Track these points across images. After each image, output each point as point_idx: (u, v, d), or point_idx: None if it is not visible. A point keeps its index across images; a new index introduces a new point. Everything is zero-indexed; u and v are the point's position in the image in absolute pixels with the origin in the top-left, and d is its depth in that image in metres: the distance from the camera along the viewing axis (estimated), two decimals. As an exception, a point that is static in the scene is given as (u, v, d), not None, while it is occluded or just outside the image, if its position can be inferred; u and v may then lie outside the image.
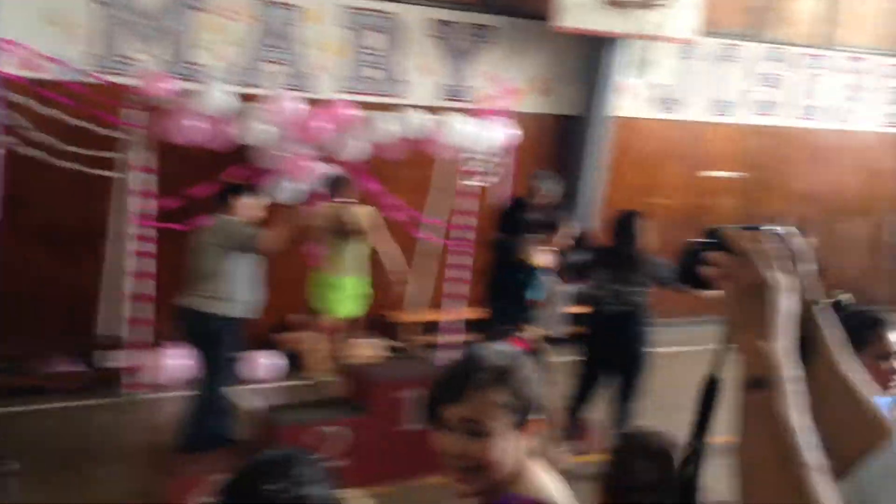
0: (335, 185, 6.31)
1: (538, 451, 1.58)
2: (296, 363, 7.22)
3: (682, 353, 8.41)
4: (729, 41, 9.38)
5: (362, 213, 6.22)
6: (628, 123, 9.00)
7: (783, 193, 10.07)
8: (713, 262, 1.15)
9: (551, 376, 5.33)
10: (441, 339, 7.57)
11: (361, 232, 6.11)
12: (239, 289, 5.18)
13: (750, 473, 1.05)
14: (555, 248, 5.99)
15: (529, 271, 5.99)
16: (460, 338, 7.58)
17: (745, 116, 9.66)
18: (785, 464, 1.03)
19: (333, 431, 4.99)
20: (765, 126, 9.81)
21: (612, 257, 5.62)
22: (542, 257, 5.95)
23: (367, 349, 7.38)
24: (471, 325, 7.52)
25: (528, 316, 5.93)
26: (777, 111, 9.85)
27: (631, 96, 8.90)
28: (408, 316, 8.00)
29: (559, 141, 8.73)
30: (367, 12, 7.63)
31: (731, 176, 9.72)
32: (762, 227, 1.17)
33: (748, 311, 1.12)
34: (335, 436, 4.98)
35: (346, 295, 6.24)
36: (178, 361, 6.59)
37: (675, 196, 9.40)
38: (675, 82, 9.17)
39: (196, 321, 5.11)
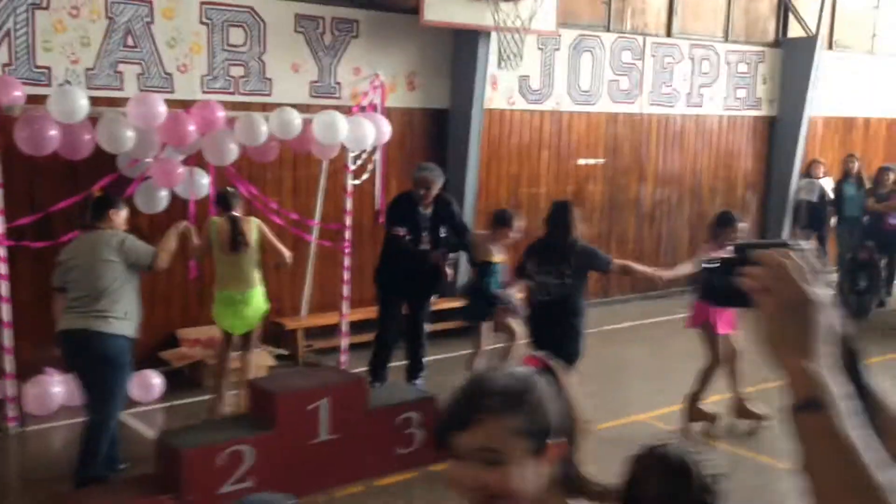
0: (223, 200, 6.11)
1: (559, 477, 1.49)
2: (184, 380, 6.91)
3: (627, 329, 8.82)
4: (587, 32, 9.70)
5: (250, 226, 6.01)
6: (498, 115, 9.15)
7: (643, 177, 10.55)
8: (750, 278, 1.11)
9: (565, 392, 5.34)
10: (340, 342, 7.42)
11: (248, 245, 5.92)
12: (136, 307, 5.05)
13: (824, 501, 1.01)
14: (507, 243, 6.48)
15: (490, 268, 6.39)
16: (358, 339, 7.48)
17: (605, 105, 10.02)
18: (857, 489, 0.98)
19: (240, 451, 4.79)
20: (623, 113, 10.23)
21: (545, 248, 5.68)
22: (498, 253, 6.44)
23: (264, 360, 7.16)
24: (365, 326, 7.43)
25: (494, 310, 6.41)
26: (633, 98, 10.28)
27: (499, 88, 9.04)
28: (302, 322, 7.81)
29: (430, 134, 8.75)
30: (225, 7, 7.33)
31: (596, 162, 10.07)
32: (789, 243, 1.13)
33: (788, 329, 1.07)
34: (241, 455, 4.79)
35: (237, 308, 6.00)
36: (56, 389, 6.16)
37: (547, 184, 9.64)
38: (540, 73, 9.39)
39: (96, 343, 4.79)
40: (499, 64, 8.35)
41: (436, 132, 8.77)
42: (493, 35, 8.38)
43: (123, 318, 4.91)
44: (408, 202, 6.59)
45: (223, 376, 6.19)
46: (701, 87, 10.89)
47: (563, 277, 5.59)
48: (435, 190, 6.56)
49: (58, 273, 5.02)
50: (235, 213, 6.03)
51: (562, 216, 5.68)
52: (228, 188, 6.45)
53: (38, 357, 6.51)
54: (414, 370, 6.85)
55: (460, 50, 8.63)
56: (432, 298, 7.04)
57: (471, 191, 8.82)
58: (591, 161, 10.02)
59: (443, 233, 6.65)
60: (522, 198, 9.49)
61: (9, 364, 5.79)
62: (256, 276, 6.04)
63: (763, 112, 11.56)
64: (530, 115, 9.43)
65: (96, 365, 4.84)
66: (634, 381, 7.54)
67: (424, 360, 6.93)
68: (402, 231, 6.48)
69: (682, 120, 10.84)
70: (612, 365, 7.88)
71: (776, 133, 11.60)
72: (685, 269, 6.28)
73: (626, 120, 10.27)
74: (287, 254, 6.12)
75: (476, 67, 8.49)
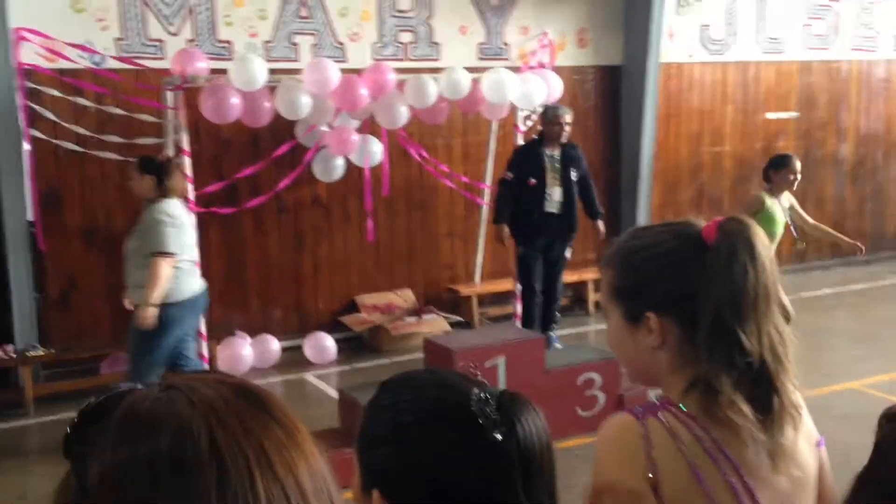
0: None
1: None
2: (362, 346, 7.02)
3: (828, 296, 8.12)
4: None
5: None
6: (676, 69, 8.60)
7: (843, 131, 9.58)
8: None
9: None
10: (515, 308, 7.26)
11: None
12: None
13: None
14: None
15: None
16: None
17: (796, 52, 9.18)
18: None
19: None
20: (818, 61, 9.32)
21: None
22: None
23: (440, 326, 7.13)
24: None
25: None
26: (829, 44, 9.34)
27: (676, 40, 8.49)
28: (476, 288, 7.72)
29: (602, 93, 8.36)
30: (395, -24, 7.34)
31: (788, 117, 9.25)
32: None
33: None
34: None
35: None
36: (246, 351, 6.47)
37: (732, 142, 8.98)
38: (724, 21, 8.72)
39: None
40: (678, 10, 7.82)
41: (609, 90, 8.37)
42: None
43: None
44: (531, 148, 6.49)
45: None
46: (909, 28, 9.74)
47: None
48: (569, 128, 6.37)
49: (170, 236, 4.53)
50: None
51: None
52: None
53: (229, 319, 6.83)
54: (547, 321, 6.63)
55: (633, 2, 8.16)
56: (567, 252, 6.68)
57: (647, 152, 8.35)
58: (783, 115, 9.21)
59: (574, 176, 6.41)
60: (705, 157, 8.89)
61: (203, 325, 6.06)
62: None
63: None
64: (712, 68, 8.79)
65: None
66: (840, 348, 6.83)
67: (558, 313, 6.86)
68: (532, 181, 6.32)
69: (888, 66, 9.73)
70: (813, 331, 7.19)
71: None
72: None
73: (822, 68, 9.35)
74: None
75: (651, 17, 8.00)
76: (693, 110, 8.78)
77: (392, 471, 0.99)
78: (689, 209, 8.83)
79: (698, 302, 1.18)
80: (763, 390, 1.17)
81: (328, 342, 6.74)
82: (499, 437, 0.96)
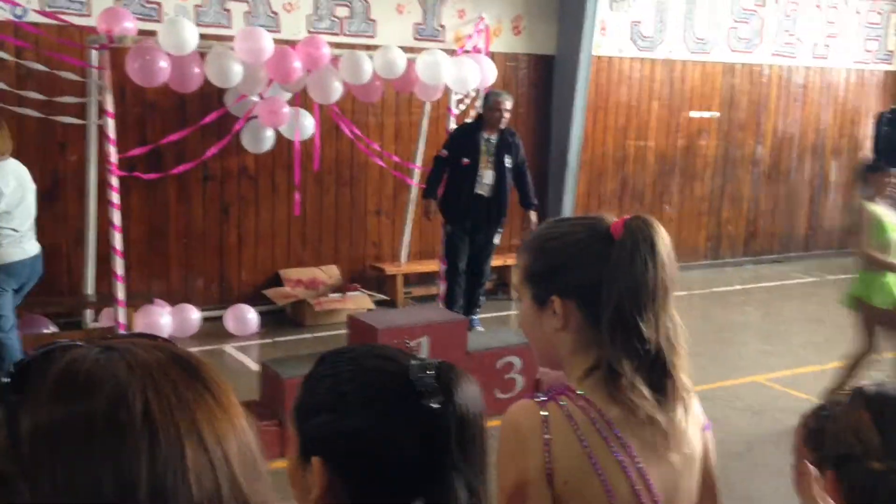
0: None
1: None
2: (285, 319, 6.97)
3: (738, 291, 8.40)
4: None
5: None
6: (606, 62, 8.78)
7: (761, 133, 9.97)
8: None
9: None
10: (439, 289, 7.31)
11: None
12: None
13: None
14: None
15: None
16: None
17: (722, 54, 9.48)
18: None
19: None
20: (741, 63, 9.65)
21: None
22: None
23: (364, 303, 7.14)
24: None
25: None
26: (753, 48, 9.68)
27: (608, 34, 8.66)
28: (402, 268, 7.73)
29: (534, 81, 8.48)
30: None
31: (711, 116, 9.56)
32: None
33: None
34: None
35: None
36: (165, 319, 6.33)
37: (656, 137, 9.23)
38: (654, 19, 8.94)
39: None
40: (611, 6, 7.97)
41: (541, 79, 8.49)
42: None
43: None
44: (469, 129, 6.54)
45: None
46: (827, 38, 10.17)
47: None
48: (508, 114, 6.45)
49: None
50: None
51: None
52: None
53: (148, 287, 6.68)
54: (471, 305, 6.73)
55: (569, -7, 8.28)
56: (496, 238, 6.76)
57: (575, 142, 8.51)
58: (706, 114, 9.52)
59: (507, 163, 6.49)
60: (629, 151, 9.12)
61: (120, 292, 5.92)
62: None
63: (895, 67, 10.73)
64: (641, 64, 9.01)
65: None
66: (747, 342, 7.15)
67: (482, 297, 6.92)
68: (465, 161, 6.38)
69: (806, 73, 10.16)
70: (723, 325, 7.50)
71: (909, 89, 10.76)
72: None
73: (745, 71, 9.70)
74: None
75: (585, 11, 8.13)
76: (621, 104, 8.99)
77: (332, 438, 1.02)
78: (612, 200, 9.06)
79: (602, 291, 1.27)
80: (658, 375, 1.27)
81: (250, 314, 6.68)
82: (436, 405, 1.00)
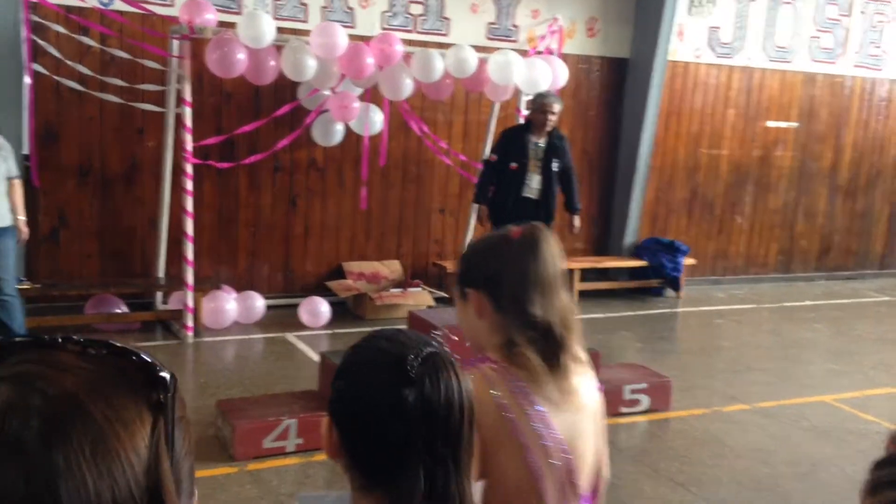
0: None
1: None
2: (347, 312, 7.04)
3: (808, 307, 8.24)
4: (789, -17, 8.93)
5: None
6: (682, 68, 8.62)
7: (840, 145, 9.65)
8: None
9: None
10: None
11: None
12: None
13: None
14: None
15: None
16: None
17: (802, 63, 9.21)
18: None
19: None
20: (823, 74, 9.36)
21: None
22: None
23: (424, 300, 7.16)
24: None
25: None
26: (835, 58, 9.38)
27: (685, 39, 8.50)
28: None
29: (607, 84, 8.38)
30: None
31: (788, 126, 9.30)
32: None
33: None
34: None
35: None
36: (230, 305, 6.47)
37: (730, 146, 9.03)
38: (733, 25, 8.73)
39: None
40: (689, 10, 7.82)
41: (613, 82, 8.39)
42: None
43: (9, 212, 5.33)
44: (517, 132, 6.47)
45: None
46: (916, 50, 9.79)
47: None
48: (555, 118, 6.33)
49: None
50: None
51: None
52: None
53: (216, 273, 6.85)
54: None
55: (647, -3, 8.17)
56: None
57: (646, 148, 8.39)
58: (783, 124, 9.26)
59: (555, 167, 6.39)
60: (702, 159, 8.94)
61: (189, 276, 6.08)
62: None
63: None
64: (718, 70, 8.81)
65: None
66: (816, 360, 6.93)
67: None
68: (513, 165, 6.31)
69: (891, 86, 9.79)
70: (792, 342, 7.29)
71: None
72: None
73: (826, 81, 9.40)
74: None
75: (663, 14, 8.01)
76: (695, 111, 8.82)
77: (336, 402, 1.15)
78: (681, 208, 8.90)
79: (502, 282, 1.59)
80: (550, 346, 1.56)
81: (323, 307, 6.72)
82: (406, 392, 1.07)
